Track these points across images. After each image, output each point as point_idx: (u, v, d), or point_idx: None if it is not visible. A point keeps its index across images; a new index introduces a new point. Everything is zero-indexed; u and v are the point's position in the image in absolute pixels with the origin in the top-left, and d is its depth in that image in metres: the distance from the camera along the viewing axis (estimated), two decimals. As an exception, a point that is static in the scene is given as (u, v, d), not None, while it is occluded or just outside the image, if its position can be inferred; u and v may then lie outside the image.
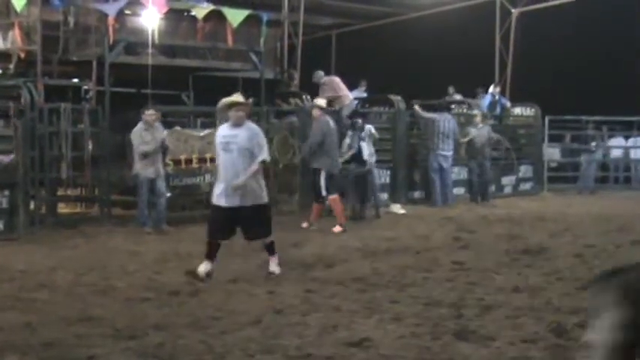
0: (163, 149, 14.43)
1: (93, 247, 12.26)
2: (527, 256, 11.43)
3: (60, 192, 15.27)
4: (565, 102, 21.63)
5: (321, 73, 18.39)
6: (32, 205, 13.93)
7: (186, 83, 20.51)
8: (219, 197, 10.01)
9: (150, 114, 14.05)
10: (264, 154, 10.15)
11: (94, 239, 13.05)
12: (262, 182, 10.18)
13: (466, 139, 18.79)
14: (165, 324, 7.60)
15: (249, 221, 10.01)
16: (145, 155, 13.84)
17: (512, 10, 23.94)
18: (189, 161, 15.49)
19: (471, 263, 10.83)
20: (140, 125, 14.03)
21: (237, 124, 10.10)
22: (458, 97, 21.86)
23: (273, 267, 10.16)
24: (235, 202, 9.91)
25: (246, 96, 10.89)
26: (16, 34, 15.73)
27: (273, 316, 7.94)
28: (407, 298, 8.75)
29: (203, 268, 9.91)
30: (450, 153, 18.38)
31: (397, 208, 16.80)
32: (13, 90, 14.30)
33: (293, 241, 12.61)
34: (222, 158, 10.07)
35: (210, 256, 10.04)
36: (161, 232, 13.85)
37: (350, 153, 15.84)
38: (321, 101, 15.63)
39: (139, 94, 18.77)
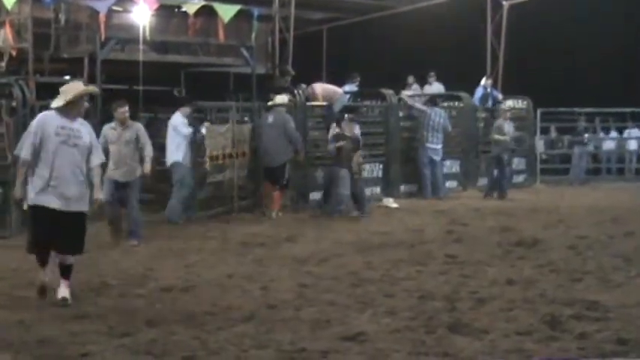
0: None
1: (86, 245, 12.15)
2: (521, 248, 11.45)
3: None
4: (557, 94, 21.67)
5: (303, 86, 18.45)
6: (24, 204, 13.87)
7: (178, 79, 20.50)
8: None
9: (121, 111, 12.50)
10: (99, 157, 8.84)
11: (87, 237, 12.93)
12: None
13: (502, 137, 18.69)
14: (158, 320, 7.59)
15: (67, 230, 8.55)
16: (113, 157, 12.27)
17: (504, 3, 23.87)
18: (219, 157, 15.52)
19: (464, 256, 10.84)
20: (112, 123, 12.64)
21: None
22: (416, 86, 21.74)
23: (64, 292, 8.44)
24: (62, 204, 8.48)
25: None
26: (7, 32, 15.68)
27: (267, 312, 7.94)
28: (401, 292, 8.76)
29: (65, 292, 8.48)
30: (439, 146, 18.45)
31: (390, 202, 16.80)
32: (5, 88, 14.25)
33: (286, 236, 12.63)
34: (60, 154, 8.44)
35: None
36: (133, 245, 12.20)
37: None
38: (280, 98, 15.91)
39: (131, 90, 18.75)
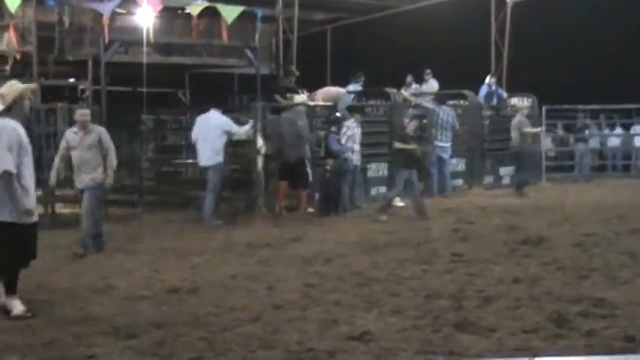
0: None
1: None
2: (527, 246, 11.41)
3: (58, 192, 15.24)
4: (561, 91, 21.64)
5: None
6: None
7: (182, 81, 20.54)
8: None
9: (81, 114, 11.89)
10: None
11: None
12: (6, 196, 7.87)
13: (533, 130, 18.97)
14: (164, 322, 7.58)
15: None
16: (75, 163, 11.84)
17: (507, 1, 23.88)
18: None
19: (470, 255, 10.82)
20: (74, 127, 12.09)
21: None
22: (415, 85, 21.69)
23: (19, 309, 7.95)
24: None
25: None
26: (11, 35, 15.75)
27: (273, 312, 7.93)
28: (407, 291, 8.74)
29: (19, 308, 7.98)
30: (448, 144, 18.46)
31: (396, 201, 16.77)
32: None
33: (292, 236, 12.62)
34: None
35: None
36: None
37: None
38: (299, 97, 15.96)
39: (136, 92, 18.78)
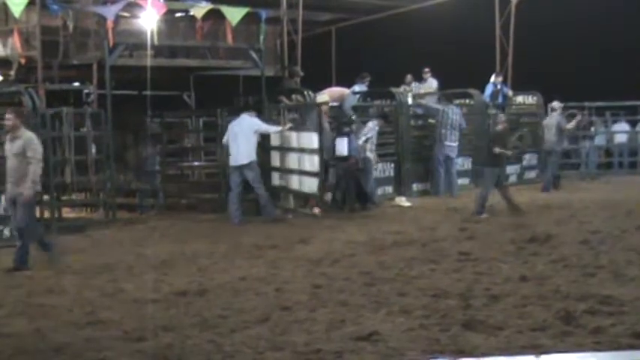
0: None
1: (99, 251, 12.28)
2: (534, 244, 11.41)
3: (65, 197, 15.31)
4: (567, 89, 21.59)
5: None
6: (37, 211, 13.93)
7: (188, 83, 20.56)
8: None
9: (6, 117, 11.08)
10: None
11: (100, 243, 13.09)
12: None
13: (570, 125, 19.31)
14: (173, 325, 7.61)
15: None
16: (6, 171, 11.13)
17: (512, -1, 23.89)
18: None
19: (477, 253, 10.82)
20: None
21: None
22: (415, 84, 21.66)
23: None
24: None
25: None
26: (15, 40, 15.77)
27: (281, 313, 7.95)
28: (414, 291, 8.75)
29: None
30: (455, 144, 18.46)
31: (402, 201, 16.81)
32: (15, 96, 14.34)
33: (299, 238, 12.63)
34: None
35: None
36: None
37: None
38: (321, 97, 16.04)
39: (141, 95, 18.80)
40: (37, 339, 7.32)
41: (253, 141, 15.07)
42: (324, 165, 15.33)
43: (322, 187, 15.15)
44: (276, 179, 16.21)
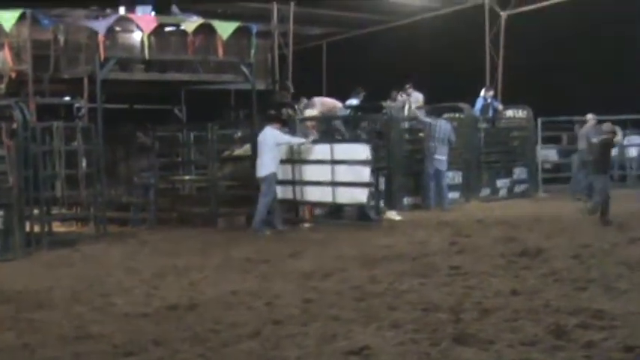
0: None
1: (90, 265, 12.25)
2: (524, 258, 11.41)
3: (55, 211, 15.27)
4: (557, 103, 21.68)
5: (304, 100, 18.78)
6: (27, 225, 13.90)
7: (179, 97, 20.58)
8: None
9: None
10: None
11: (91, 257, 13.05)
12: None
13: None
14: (164, 339, 7.58)
15: None
16: None
17: (501, 13, 24.00)
18: None
19: (468, 267, 10.82)
20: None
21: None
22: (401, 99, 21.65)
23: None
24: None
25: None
26: (6, 54, 15.74)
27: (272, 328, 7.93)
28: (405, 305, 8.74)
29: None
30: (444, 157, 18.44)
31: (393, 215, 16.80)
32: (5, 110, 14.30)
33: (290, 252, 12.62)
34: None
35: None
36: None
37: None
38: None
39: (132, 109, 18.81)
40: (26, 354, 7.29)
41: (275, 153, 15.24)
42: None
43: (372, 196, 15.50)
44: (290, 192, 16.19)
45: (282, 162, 15.76)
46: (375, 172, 15.64)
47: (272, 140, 15.20)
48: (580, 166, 19.95)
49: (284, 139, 15.46)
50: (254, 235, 14.75)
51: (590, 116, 20.17)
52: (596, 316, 7.83)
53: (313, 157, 15.91)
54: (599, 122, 20.60)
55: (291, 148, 15.89)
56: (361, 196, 15.39)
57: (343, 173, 15.44)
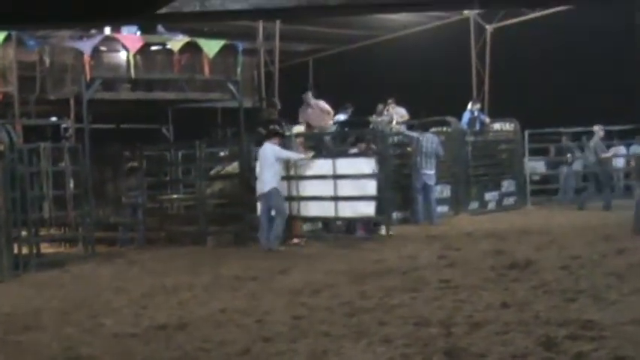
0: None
1: (78, 286, 12.20)
2: (514, 270, 11.41)
3: (43, 232, 15.22)
4: (543, 115, 21.75)
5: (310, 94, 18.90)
6: (15, 247, 13.85)
7: (166, 116, 20.57)
8: None
9: None
10: None
11: (79, 278, 13.00)
12: None
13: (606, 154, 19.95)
14: (153, 359, 7.55)
15: None
16: None
17: (487, 27, 24.09)
18: None
19: (458, 281, 10.81)
20: None
21: None
22: (387, 113, 21.67)
23: None
24: None
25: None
26: (-8, 76, 15.74)
27: (262, 345, 7.90)
28: (395, 320, 8.72)
29: None
30: (432, 171, 18.45)
31: (382, 230, 16.77)
32: (-8, 132, 14.27)
33: (280, 268, 12.59)
34: None
35: None
36: None
37: None
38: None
39: (119, 129, 18.78)
40: (16, 376, 7.25)
41: (276, 168, 15.18)
42: None
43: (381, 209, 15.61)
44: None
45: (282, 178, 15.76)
46: (382, 184, 15.69)
47: (272, 156, 15.14)
48: (590, 178, 20.54)
49: (284, 154, 15.40)
50: (263, 250, 14.83)
51: (597, 128, 20.27)
52: (585, 327, 7.83)
53: (314, 172, 15.87)
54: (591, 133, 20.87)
55: (289, 164, 15.82)
56: (367, 209, 15.47)
57: (346, 187, 15.45)
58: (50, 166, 14.53)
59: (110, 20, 13.32)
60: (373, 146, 16.76)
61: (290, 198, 15.83)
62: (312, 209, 15.93)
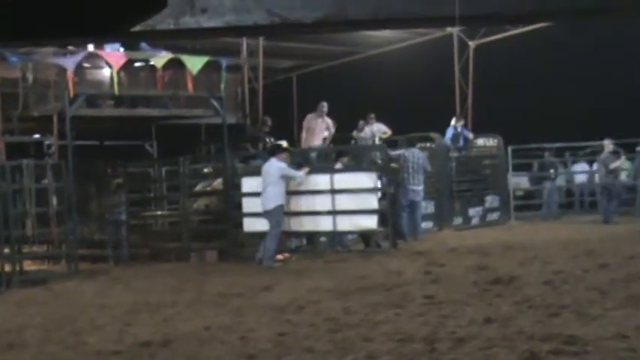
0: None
1: (62, 303, 12.15)
2: (498, 285, 11.43)
3: (26, 249, 15.16)
4: (527, 131, 21.86)
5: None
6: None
7: (150, 133, 20.56)
8: None
9: None
10: None
11: (63, 295, 12.94)
12: None
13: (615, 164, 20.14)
14: (137, 376, 7.52)
15: None
16: None
17: (470, 43, 24.21)
18: None
19: (442, 296, 10.82)
20: None
21: None
22: (368, 129, 21.65)
23: None
24: None
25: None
26: (-26, 93, 15.70)
27: (247, 362, 7.89)
28: (380, 336, 8.71)
29: None
30: (420, 187, 18.41)
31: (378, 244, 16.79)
32: (-25, 149, 14.24)
33: (264, 285, 12.57)
34: None
35: None
36: None
37: None
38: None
39: (103, 146, 18.75)
40: (-2, 395, 7.20)
41: (278, 187, 15.06)
42: None
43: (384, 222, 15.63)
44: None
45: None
46: (384, 198, 15.72)
47: (277, 173, 15.03)
48: (602, 191, 20.87)
49: (290, 172, 15.26)
50: (259, 266, 14.82)
51: (607, 142, 20.42)
52: (568, 342, 7.84)
53: (312, 187, 15.78)
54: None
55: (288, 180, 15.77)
56: (369, 222, 15.52)
57: (345, 201, 15.44)
58: (33, 184, 14.48)
59: (85, 37, 13.35)
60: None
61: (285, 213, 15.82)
62: (306, 224, 15.90)
